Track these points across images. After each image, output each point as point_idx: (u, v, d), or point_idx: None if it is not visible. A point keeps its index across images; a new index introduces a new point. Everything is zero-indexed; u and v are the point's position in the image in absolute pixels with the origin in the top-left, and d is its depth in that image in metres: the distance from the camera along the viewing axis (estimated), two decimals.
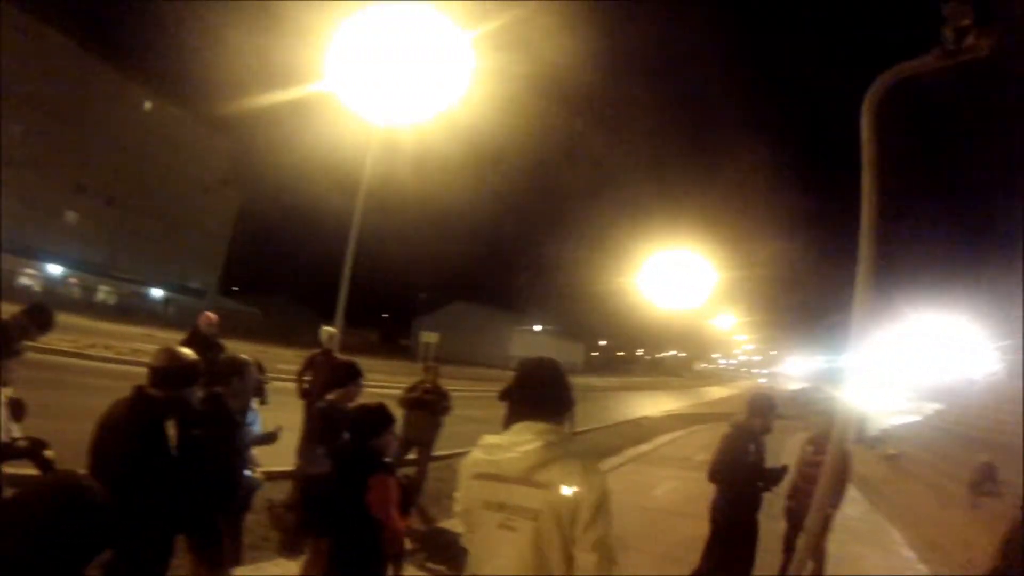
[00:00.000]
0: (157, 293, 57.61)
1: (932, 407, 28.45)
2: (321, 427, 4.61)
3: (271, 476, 5.36)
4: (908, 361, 40.84)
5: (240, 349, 5.03)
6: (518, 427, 2.45)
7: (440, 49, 20.72)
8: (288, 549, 5.62)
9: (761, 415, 6.00)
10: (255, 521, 5.81)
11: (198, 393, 3.56)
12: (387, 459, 3.70)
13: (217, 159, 62.36)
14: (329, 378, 5.02)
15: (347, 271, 21.41)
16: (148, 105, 55.53)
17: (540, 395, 2.52)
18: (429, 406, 8.64)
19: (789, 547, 6.45)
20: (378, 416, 3.67)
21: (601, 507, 2.29)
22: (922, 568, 8.23)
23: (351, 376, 4.87)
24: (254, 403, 4.70)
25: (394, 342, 72.95)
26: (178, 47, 61.81)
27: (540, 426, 2.43)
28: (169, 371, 3.23)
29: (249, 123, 52.62)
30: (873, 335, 5.08)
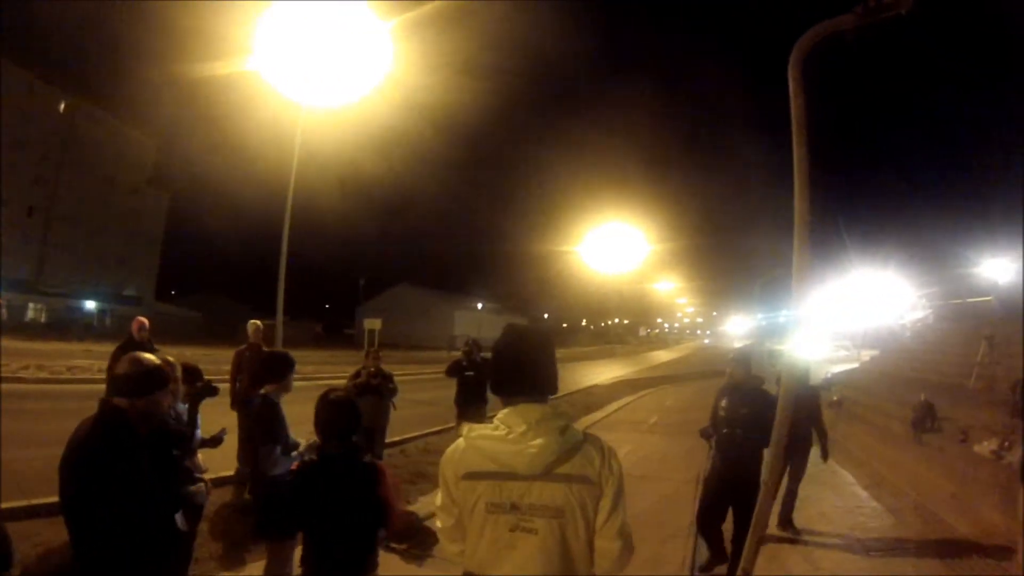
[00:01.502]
0: (91, 305, 55.10)
1: (868, 354, 29.50)
2: (267, 424, 4.47)
3: (213, 482, 5.13)
4: (843, 312, 42.32)
5: (181, 353, 4.87)
6: (515, 413, 2.16)
7: (361, 31, 20.80)
8: (230, 560, 5.49)
9: (744, 368, 6.18)
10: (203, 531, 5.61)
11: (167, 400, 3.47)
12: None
13: (141, 158, 59.97)
14: (260, 371, 4.86)
15: (283, 263, 21.04)
16: (63, 105, 52.66)
17: (533, 371, 2.23)
18: (376, 390, 8.63)
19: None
20: (354, 411, 3.54)
21: (622, 491, 2.16)
22: (875, 504, 8.56)
23: (286, 367, 4.74)
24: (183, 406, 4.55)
25: (339, 332, 72.09)
26: (90, 43, 59.10)
27: (540, 409, 2.16)
28: (131, 377, 3.11)
29: (172, 117, 50.84)
30: (811, 289, 5.21)
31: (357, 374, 8.84)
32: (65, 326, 44.90)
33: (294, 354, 5.07)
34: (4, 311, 46.32)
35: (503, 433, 2.14)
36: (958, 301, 25.41)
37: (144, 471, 2.87)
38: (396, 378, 9.12)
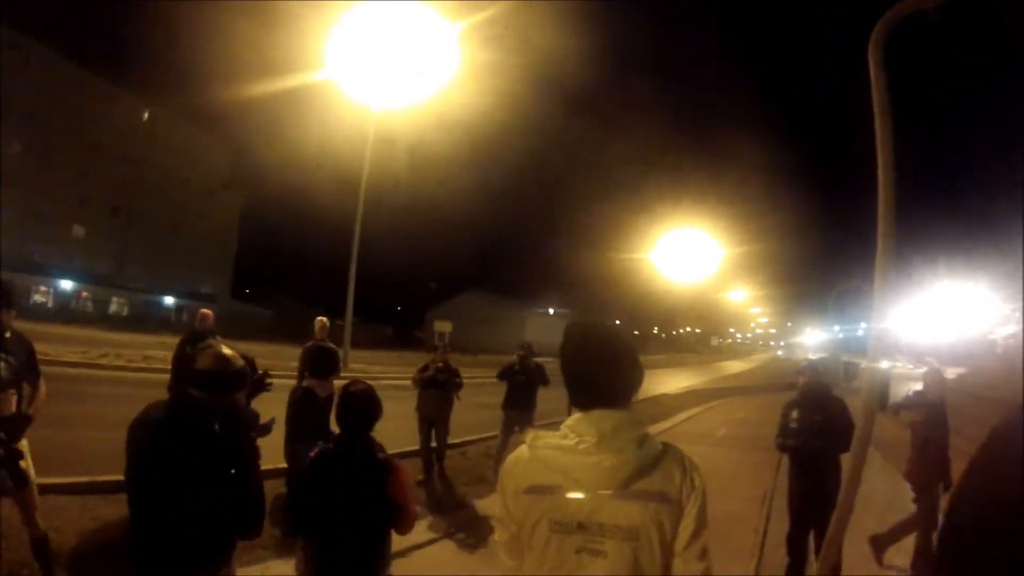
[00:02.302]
0: (168, 301, 57.60)
1: (954, 372, 28.12)
2: (295, 415, 4.42)
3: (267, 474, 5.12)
4: (928, 327, 40.55)
5: (252, 350, 4.84)
6: (587, 420, 1.87)
7: (429, 38, 21.10)
8: (284, 548, 5.46)
9: (815, 376, 6.07)
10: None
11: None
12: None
13: (217, 162, 62.60)
14: (305, 364, 4.81)
15: (353, 265, 21.45)
16: (146, 114, 55.58)
17: (612, 377, 1.92)
18: (441, 384, 8.88)
19: None
20: (372, 403, 3.41)
21: (705, 510, 1.86)
22: None
23: (332, 364, 4.72)
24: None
25: (408, 335, 72.97)
26: (171, 54, 61.75)
27: (617, 417, 1.86)
28: (215, 374, 3.02)
29: (247, 124, 52.62)
30: (894, 302, 4.84)
31: (424, 367, 9.07)
32: (144, 319, 47.22)
33: (362, 354, 5.02)
34: (88, 304, 48.82)
35: (573, 443, 1.84)
36: None
37: (208, 466, 2.82)
38: (468, 381, 9.42)
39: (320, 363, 4.74)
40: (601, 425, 1.83)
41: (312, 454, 3.35)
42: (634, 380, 1.96)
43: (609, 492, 1.79)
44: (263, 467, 4.73)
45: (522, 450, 1.95)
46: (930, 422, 6.55)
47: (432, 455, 8.93)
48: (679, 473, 1.84)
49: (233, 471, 2.89)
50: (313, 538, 3.33)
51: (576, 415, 1.89)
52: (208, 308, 9.39)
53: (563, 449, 1.84)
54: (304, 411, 4.40)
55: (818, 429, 5.62)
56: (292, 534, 4.53)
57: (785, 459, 6.18)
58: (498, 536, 2.00)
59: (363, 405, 3.33)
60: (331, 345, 7.13)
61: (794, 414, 5.84)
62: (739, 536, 7.42)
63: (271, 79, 23.13)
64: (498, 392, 9.68)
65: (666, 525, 1.80)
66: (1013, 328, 26.51)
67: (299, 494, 3.42)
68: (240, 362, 3.14)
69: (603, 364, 1.92)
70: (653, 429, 16.20)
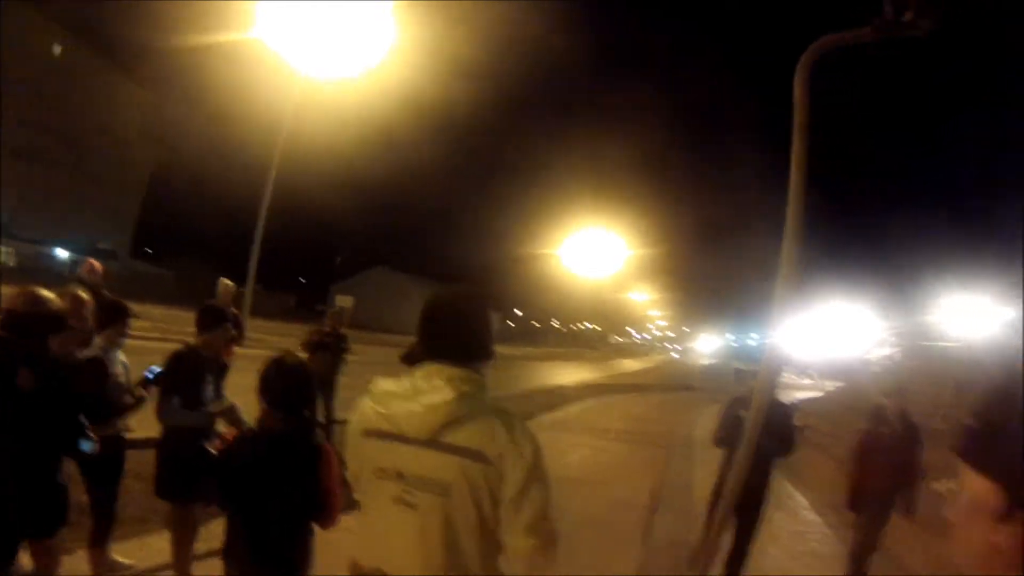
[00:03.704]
0: (63, 254, 53.81)
1: (833, 384, 29.69)
2: (174, 374, 4.21)
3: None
4: (809, 341, 42.66)
5: (149, 312, 4.61)
6: (424, 370, 1.88)
7: (365, 9, 20.69)
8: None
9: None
10: (142, 491, 5.20)
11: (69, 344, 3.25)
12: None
13: (135, 112, 58.22)
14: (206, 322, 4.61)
15: (259, 229, 20.83)
16: (58, 49, 51.27)
17: (456, 331, 1.94)
18: (330, 348, 9.07)
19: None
20: (307, 380, 3.15)
21: (535, 478, 1.79)
22: (827, 531, 8.48)
23: (221, 321, 4.57)
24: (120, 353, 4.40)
25: (310, 307, 71.48)
26: None
27: (453, 371, 1.85)
28: (26, 316, 2.84)
29: (170, 75, 49.52)
30: (790, 316, 5.09)
31: (314, 332, 9.29)
32: (33, 272, 43.69)
33: (263, 324, 4.86)
34: None
35: (400, 389, 1.88)
36: (927, 343, 25.54)
37: (13, 417, 2.65)
38: (359, 359, 9.56)
39: (206, 318, 4.56)
40: (431, 375, 1.85)
41: (230, 434, 3.17)
42: (478, 343, 1.96)
43: (424, 441, 1.79)
44: (133, 435, 4.53)
45: (368, 396, 1.96)
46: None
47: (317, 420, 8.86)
48: (503, 434, 1.79)
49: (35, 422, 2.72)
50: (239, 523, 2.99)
51: (422, 367, 1.90)
52: (106, 264, 8.88)
53: (391, 394, 1.88)
54: (182, 366, 4.24)
55: (764, 429, 5.82)
56: (165, 496, 4.37)
57: (719, 454, 6.23)
58: (347, 473, 2.03)
59: (291, 380, 3.05)
60: (224, 306, 7.03)
61: (742, 412, 5.96)
62: (628, 523, 7.67)
63: (199, 31, 22.14)
64: (396, 372, 9.65)
65: (481, 486, 1.76)
66: (888, 350, 28.24)
67: (180, 459, 3.24)
68: (54, 306, 2.99)
69: (448, 322, 1.96)
70: (547, 417, 16.64)
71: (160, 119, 58.69)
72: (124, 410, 4.24)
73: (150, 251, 65.56)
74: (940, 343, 24.37)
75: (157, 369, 4.23)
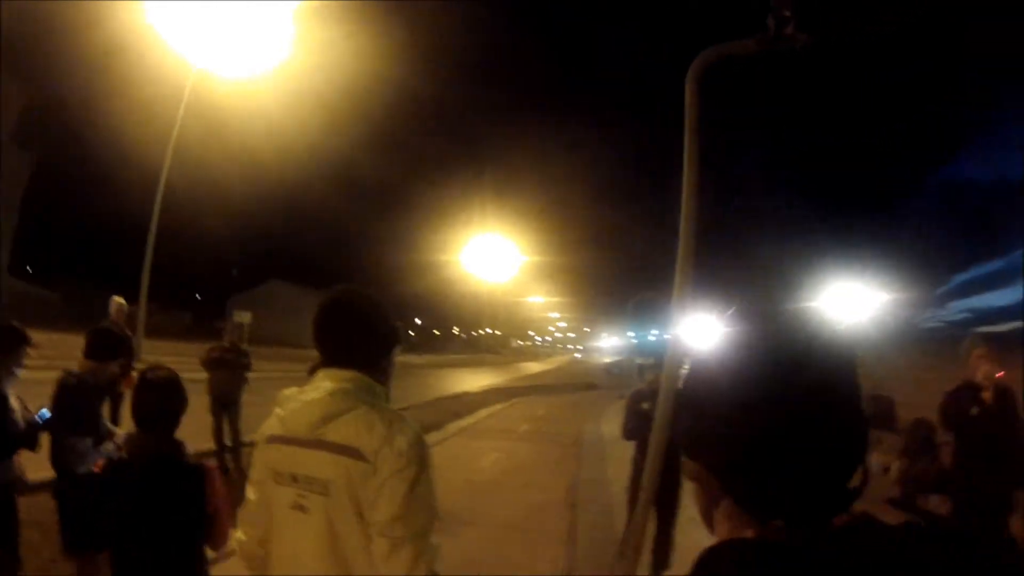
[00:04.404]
0: None
1: None
2: (62, 405, 3.84)
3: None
4: (708, 333, 44.16)
5: (37, 340, 4.13)
6: (319, 375, 1.87)
7: (265, 9, 20.17)
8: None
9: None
10: (41, 542, 4.71)
11: None
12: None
13: (6, 110, 53.56)
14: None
15: (150, 243, 19.94)
16: None
17: (347, 335, 1.90)
18: (230, 365, 8.79)
19: None
20: (177, 394, 2.89)
21: (415, 481, 1.69)
22: None
23: (113, 347, 4.22)
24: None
25: (207, 324, 68.68)
26: None
27: (339, 372, 1.84)
28: None
29: (48, 68, 45.84)
30: (688, 311, 5.31)
31: (213, 348, 8.94)
32: None
33: (158, 344, 4.55)
34: None
35: (295, 391, 1.88)
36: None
37: None
38: (262, 376, 9.14)
39: (96, 342, 4.16)
40: (320, 376, 1.86)
41: (98, 466, 2.80)
42: (366, 342, 1.92)
43: (307, 440, 1.76)
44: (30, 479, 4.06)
45: (276, 406, 1.93)
46: None
47: (223, 438, 8.63)
48: (381, 428, 1.72)
49: None
50: (108, 559, 2.72)
51: (319, 372, 1.90)
52: None
53: (288, 399, 1.87)
54: (74, 400, 3.85)
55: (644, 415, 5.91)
56: (70, 551, 3.88)
57: (629, 448, 6.31)
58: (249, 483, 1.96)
59: (161, 396, 2.79)
60: (116, 327, 6.72)
61: (644, 405, 6.05)
62: (548, 524, 7.73)
63: (81, 18, 20.73)
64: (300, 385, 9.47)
65: (358, 484, 1.69)
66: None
67: (83, 506, 3.00)
68: None
69: (335, 325, 1.93)
70: (454, 425, 16.66)
71: (36, 118, 54.01)
72: (19, 448, 3.77)
73: (30, 269, 60.06)
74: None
75: (47, 413, 3.84)
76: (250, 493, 1.92)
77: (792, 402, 0.74)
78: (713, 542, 0.77)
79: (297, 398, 1.85)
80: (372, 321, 1.95)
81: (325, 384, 1.82)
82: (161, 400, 2.78)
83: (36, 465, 4.01)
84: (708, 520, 0.84)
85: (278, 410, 1.89)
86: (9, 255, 55.48)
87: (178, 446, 2.81)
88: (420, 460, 1.73)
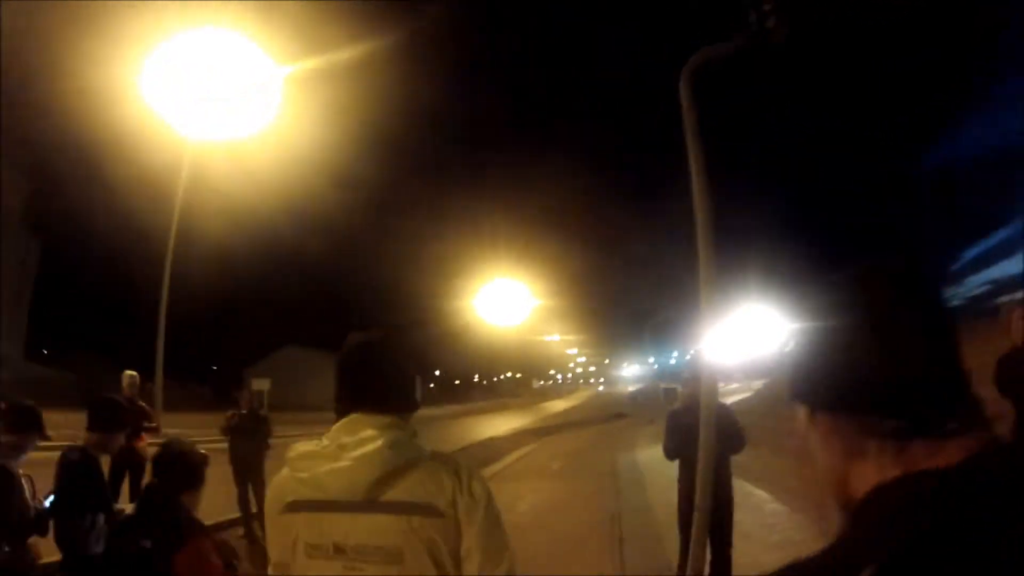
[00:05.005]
0: None
1: (759, 383, 30.50)
2: (74, 484, 3.60)
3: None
4: (727, 346, 43.82)
5: (53, 420, 3.92)
6: (346, 422, 1.65)
7: (252, 76, 20.55)
8: None
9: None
10: None
11: None
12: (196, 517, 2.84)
13: (12, 199, 54.06)
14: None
15: (162, 318, 19.92)
16: None
17: (377, 381, 1.70)
18: (249, 431, 8.71)
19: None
20: (192, 459, 2.86)
21: (497, 524, 1.60)
22: (796, 516, 8.53)
23: (116, 416, 3.93)
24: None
25: (226, 395, 68.38)
26: None
27: (380, 418, 1.63)
28: None
29: (50, 157, 46.37)
30: (713, 327, 5.22)
31: (232, 415, 8.94)
32: None
33: (178, 417, 4.33)
34: None
35: (321, 447, 1.61)
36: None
37: None
38: (283, 441, 8.89)
39: (98, 413, 3.88)
40: (355, 425, 1.62)
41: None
42: (400, 388, 1.74)
43: (360, 503, 1.53)
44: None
45: (286, 466, 1.68)
46: None
47: (249, 506, 8.45)
48: (450, 481, 1.57)
49: None
50: None
51: (343, 420, 1.67)
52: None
53: (312, 456, 1.61)
54: (79, 476, 3.61)
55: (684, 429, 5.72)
56: None
57: (669, 470, 6.13)
58: (270, 560, 1.70)
59: (185, 463, 2.80)
60: (128, 401, 6.60)
61: (684, 420, 5.85)
62: (593, 559, 7.46)
63: (79, 107, 21.11)
64: None
65: (440, 545, 1.53)
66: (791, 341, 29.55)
67: None
68: None
69: (364, 369, 1.73)
70: (486, 471, 16.28)
71: (42, 206, 54.45)
72: (31, 533, 3.56)
73: (46, 352, 59.98)
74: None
75: (52, 499, 3.62)
76: (276, 572, 1.68)
77: (916, 337, 0.82)
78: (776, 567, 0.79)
79: (334, 455, 1.57)
80: (406, 362, 1.80)
81: (368, 434, 1.57)
82: (180, 466, 2.78)
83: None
84: (836, 476, 0.87)
85: (291, 471, 1.63)
86: (25, 341, 55.80)
87: (182, 509, 2.72)
88: (491, 498, 1.62)
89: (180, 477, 2.78)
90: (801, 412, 0.92)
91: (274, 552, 1.67)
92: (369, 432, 1.57)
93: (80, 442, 3.78)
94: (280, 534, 1.63)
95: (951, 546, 0.68)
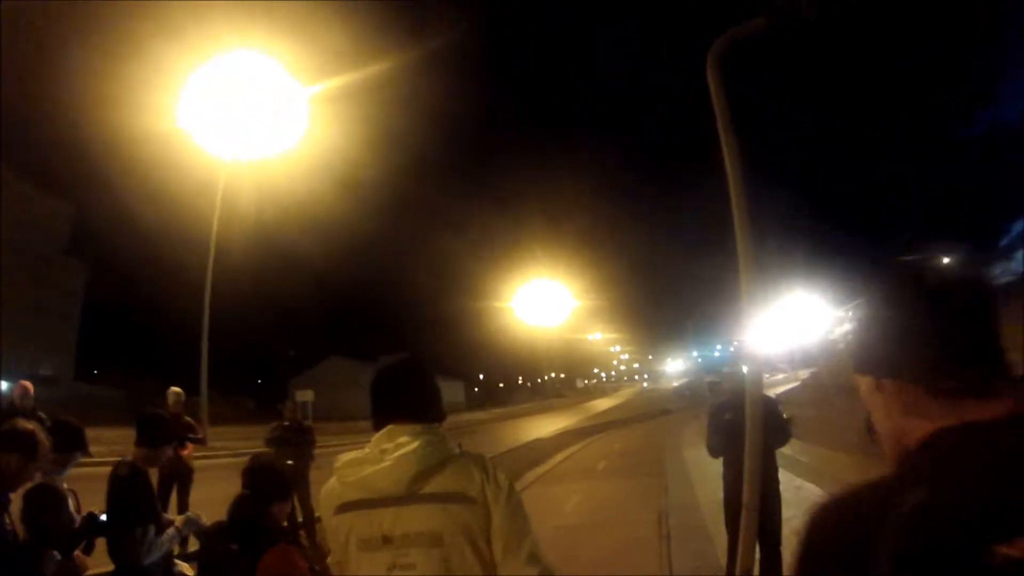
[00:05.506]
0: (2, 386, 50.33)
1: (805, 372, 30.03)
2: (134, 498, 3.66)
3: None
4: (772, 336, 43.24)
5: (103, 436, 4.02)
6: (386, 432, 1.88)
7: (280, 95, 20.97)
8: None
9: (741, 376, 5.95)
10: None
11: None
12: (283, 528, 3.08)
13: (58, 226, 55.45)
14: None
15: (205, 333, 20.35)
16: None
17: (408, 396, 1.98)
18: (293, 442, 8.63)
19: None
20: (281, 472, 3.13)
21: (520, 509, 1.84)
22: None
23: (164, 431, 3.97)
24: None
25: (271, 407, 69.22)
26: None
27: (414, 426, 1.87)
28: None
29: (91, 183, 47.58)
30: (757, 311, 5.08)
31: (275, 427, 8.88)
32: None
33: (224, 430, 4.33)
34: None
35: (365, 453, 1.88)
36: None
37: None
38: (332, 449, 8.94)
39: (146, 428, 3.94)
40: (397, 434, 1.85)
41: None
42: (428, 402, 1.99)
43: (403, 497, 1.77)
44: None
45: (335, 474, 1.91)
46: None
47: (295, 516, 8.21)
48: (478, 473, 1.82)
49: None
50: None
51: (382, 430, 1.91)
52: (49, 392, 8.42)
53: (357, 462, 1.85)
54: (129, 489, 3.66)
55: (726, 426, 5.61)
56: None
57: (716, 467, 5.98)
58: (329, 560, 1.98)
59: (273, 479, 3.03)
60: (173, 416, 6.62)
61: (727, 416, 5.67)
62: (641, 559, 7.30)
63: (117, 134, 21.68)
64: None
65: (474, 527, 1.77)
66: (848, 325, 29.00)
67: None
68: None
69: (399, 386, 2.01)
70: (531, 473, 16.31)
71: (86, 231, 55.85)
72: (76, 546, 3.58)
73: (95, 371, 61.50)
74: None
75: (100, 516, 3.63)
76: (335, 571, 1.93)
77: (959, 315, 1.01)
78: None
79: (376, 459, 1.83)
80: (433, 383, 2.07)
81: (404, 439, 1.82)
82: (268, 481, 3.02)
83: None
84: (896, 433, 1.02)
85: (339, 478, 1.87)
86: (74, 361, 57.21)
87: (269, 520, 2.91)
88: (513, 488, 1.87)
89: (270, 488, 2.98)
90: (864, 383, 1.08)
91: (335, 552, 1.90)
92: (405, 438, 1.82)
93: (129, 457, 3.83)
94: (334, 534, 1.87)
95: (994, 477, 0.85)
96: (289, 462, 7.16)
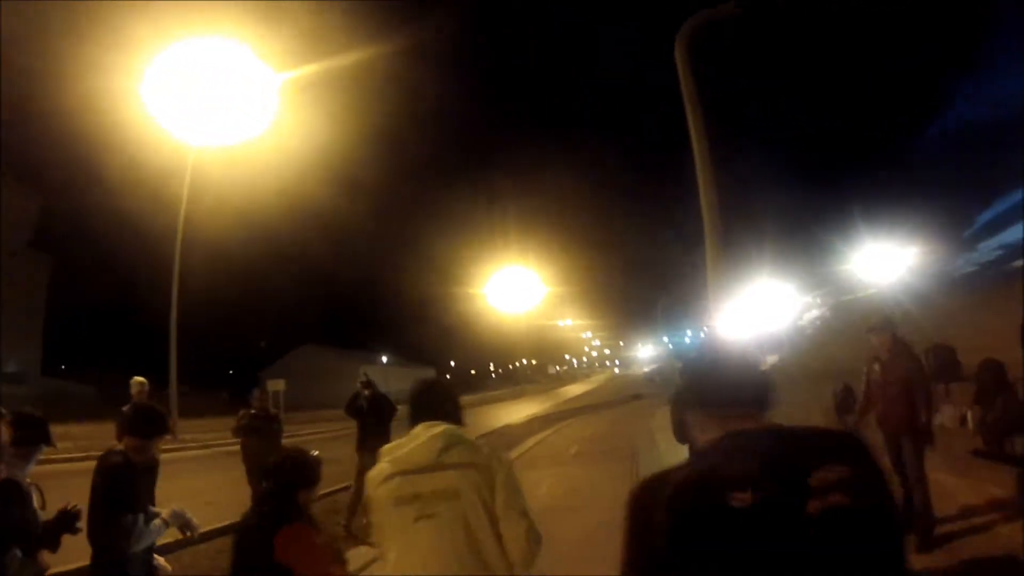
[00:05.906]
0: None
1: (771, 358, 30.36)
2: (123, 486, 3.67)
3: None
4: (740, 322, 43.54)
5: (71, 432, 3.96)
6: (419, 427, 2.57)
7: (250, 82, 20.55)
8: None
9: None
10: None
11: None
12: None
13: (21, 217, 53.82)
14: (125, 423, 4.03)
15: (173, 324, 19.99)
16: None
17: (437, 406, 2.67)
18: (260, 430, 8.69)
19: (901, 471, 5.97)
20: (306, 459, 3.24)
21: (514, 478, 2.54)
22: None
23: (156, 421, 4.04)
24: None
25: (243, 398, 68.35)
26: None
27: (439, 424, 2.56)
28: None
29: (55, 174, 46.39)
30: (725, 303, 5.11)
31: (242, 416, 8.81)
32: None
33: (195, 423, 4.30)
34: None
35: (403, 440, 2.58)
36: (848, 297, 26.44)
37: None
38: (302, 438, 8.82)
39: (140, 419, 4.02)
40: (427, 427, 2.57)
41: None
42: (451, 410, 2.68)
43: (431, 465, 2.44)
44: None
45: (380, 462, 2.57)
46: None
47: None
48: (486, 449, 2.60)
49: None
50: None
51: (418, 426, 2.61)
52: (15, 389, 8.18)
53: (400, 446, 2.56)
54: (124, 481, 3.66)
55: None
56: None
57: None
58: (372, 530, 2.61)
59: (304, 468, 3.20)
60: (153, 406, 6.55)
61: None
62: (616, 540, 7.31)
63: (81, 118, 21.09)
64: (337, 446, 9.34)
65: (482, 487, 2.44)
66: (817, 312, 29.26)
67: None
68: None
69: (427, 398, 2.73)
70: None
71: (51, 223, 54.18)
72: (41, 547, 3.52)
73: (63, 366, 59.87)
74: (859, 293, 25.36)
75: (78, 509, 3.59)
76: (376, 520, 2.54)
77: (729, 368, 1.64)
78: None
79: (407, 445, 2.53)
80: (455, 397, 2.81)
81: (433, 431, 2.53)
82: (299, 470, 3.21)
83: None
84: (687, 436, 1.81)
85: (384, 460, 2.55)
86: (41, 356, 55.58)
87: (295, 504, 3.14)
88: (511, 465, 2.63)
89: (296, 475, 3.16)
90: (685, 412, 1.67)
91: (377, 510, 2.51)
92: (434, 426, 2.55)
93: (120, 446, 3.86)
94: (378, 502, 2.50)
95: (732, 458, 1.36)
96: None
